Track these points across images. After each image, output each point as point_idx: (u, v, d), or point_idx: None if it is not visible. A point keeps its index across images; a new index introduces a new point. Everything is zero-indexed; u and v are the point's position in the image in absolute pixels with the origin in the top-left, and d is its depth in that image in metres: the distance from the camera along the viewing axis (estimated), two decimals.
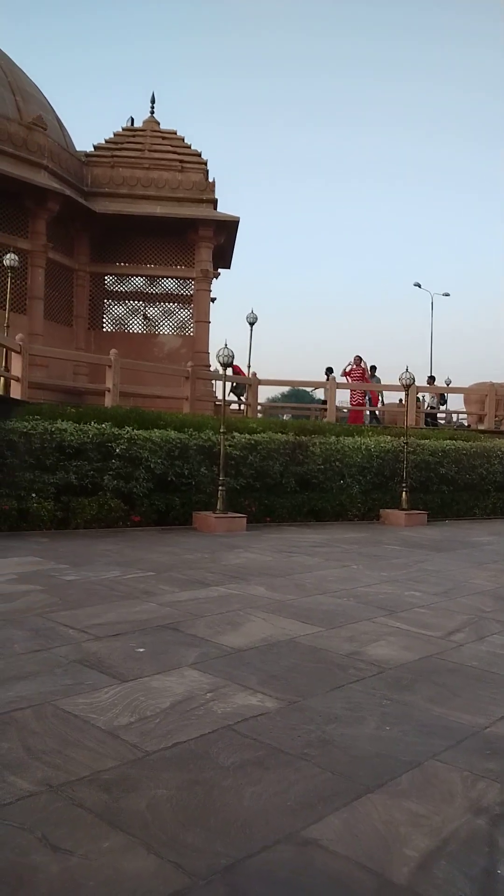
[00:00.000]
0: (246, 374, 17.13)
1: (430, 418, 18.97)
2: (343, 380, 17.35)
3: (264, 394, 17.73)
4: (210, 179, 17.70)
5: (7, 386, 10.96)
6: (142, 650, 3.68)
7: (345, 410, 17.55)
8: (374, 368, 18.72)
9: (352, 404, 17.80)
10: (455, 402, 20.26)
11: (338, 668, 3.54)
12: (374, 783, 2.32)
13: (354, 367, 18.04)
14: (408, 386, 11.63)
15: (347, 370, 17.92)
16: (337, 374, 17.73)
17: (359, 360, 18.17)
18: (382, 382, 18.45)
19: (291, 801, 2.18)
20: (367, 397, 17.94)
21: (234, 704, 2.97)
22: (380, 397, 18.52)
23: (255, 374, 15.75)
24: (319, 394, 19.22)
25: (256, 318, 16.91)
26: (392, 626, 4.40)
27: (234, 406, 16.55)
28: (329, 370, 18.66)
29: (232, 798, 2.18)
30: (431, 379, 19.66)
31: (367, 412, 17.89)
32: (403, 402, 15.76)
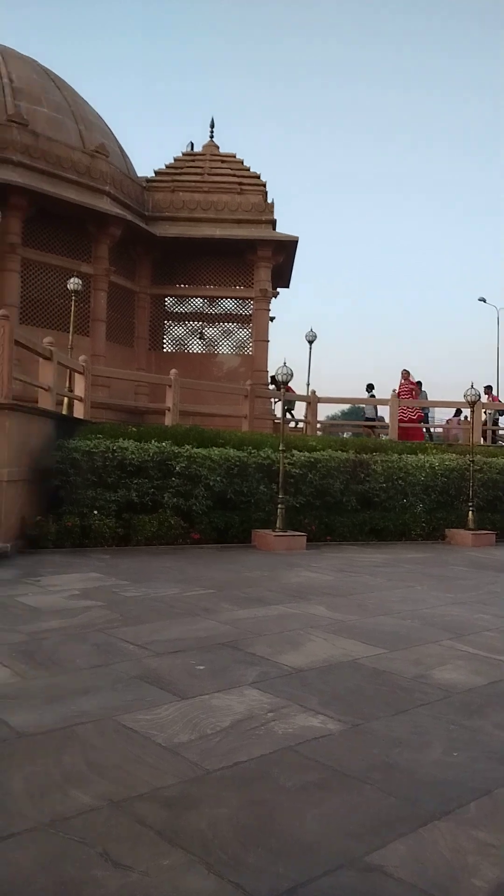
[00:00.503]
0: (422, 389, 17.13)
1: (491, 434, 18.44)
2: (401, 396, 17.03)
3: (324, 412, 17.64)
4: (269, 200, 17.87)
5: (71, 406, 11.23)
6: (202, 668, 3.67)
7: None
8: (419, 384, 18.35)
9: (402, 421, 17.36)
10: None
11: (402, 690, 3.44)
12: (440, 810, 2.24)
13: (403, 382, 17.67)
14: (473, 402, 11.39)
15: (397, 390, 17.54)
16: (381, 393, 17.40)
17: (406, 374, 17.75)
18: (443, 399, 18.11)
19: (355, 825, 2.12)
20: (426, 413, 17.56)
21: (295, 725, 2.92)
22: (425, 414, 17.97)
23: (314, 392, 15.71)
24: (368, 412, 18.74)
25: (315, 336, 16.92)
26: (459, 650, 4.27)
27: (293, 424, 16.54)
28: (370, 386, 18.36)
29: (294, 820, 2.13)
30: (488, 388, 19.01)
31: (424, 429, 17.47)
32: (469, 418, 15.44)
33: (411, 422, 17.00)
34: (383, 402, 16.30)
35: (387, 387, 18.67)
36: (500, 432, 18.77)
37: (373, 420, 18.44)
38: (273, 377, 17.79)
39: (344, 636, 4.46)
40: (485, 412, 16.94)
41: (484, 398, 17.83)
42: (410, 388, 17.45)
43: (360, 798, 2.29)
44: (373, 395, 18.12)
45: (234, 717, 2.98)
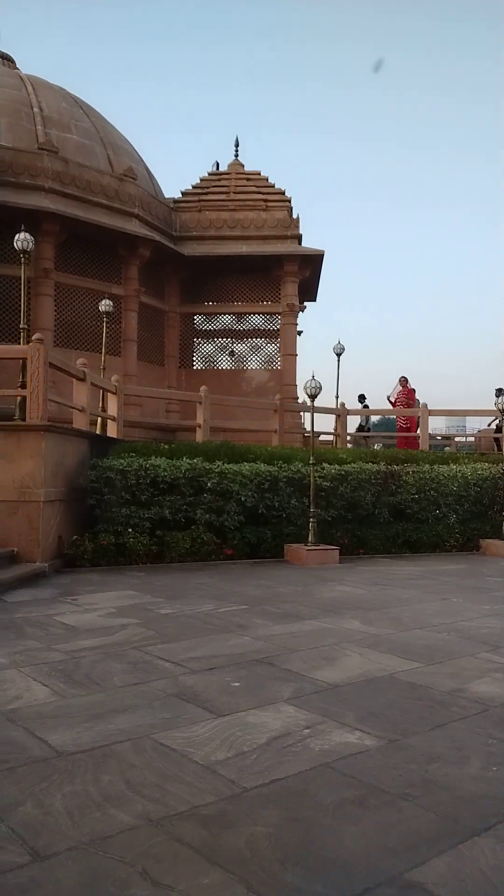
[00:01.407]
0: (415, 397, 17.02)
1: None
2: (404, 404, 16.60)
3: (353, 424, 17.54)
4: (294, 216, 17.98)
5: (104, 425, 11.38)
6: (237, 684, 3.68)
7: (438, 438, 17.12)
8: (362, 397, 18.02)
9: (402, 430, 17.01)
10: None
11: (440, 705, 3.41)
12: (480, 826, 2.21)
13: (400, 389, 17.20)
14: (503, 410, 11.27)
15: (393, 399, 17.08)
16: (371, 402, 17.01)
17: (404, 381, 17.40)
18: (474, 408, 17.89)
19: (394, 842, 2.11)
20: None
21: (331, 742, 2.91)
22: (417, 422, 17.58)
23: (343, 405, 15.68)
24: (361, 421, 18.49)
25: (343, 349, 16.88)
26: (497, 663, 4.21)
27: (324, 437, 16.50)
28: (362, 397, 18.14)
29: (332, 837, 2.13)
30: (499, 391, 18.50)
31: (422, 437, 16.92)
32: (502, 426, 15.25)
33: (404, 430, 16.64)
34: (412, 412, 16.18)
35: (363, 395, 18.35)
36: None
37: (363, 429, 18.22)
38: (362, 397, 17.89)
39: (379, 650, 4.44)
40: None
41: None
42: (407, 395, 17.08)
43: (399, 814, 2.28)
44: (365, 406, 17.92)
45: (271, 733, 2.99)
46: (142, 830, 2.16)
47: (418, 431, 15.93)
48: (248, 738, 2.94)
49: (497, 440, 18.22)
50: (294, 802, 2.36)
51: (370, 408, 17.86)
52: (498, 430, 18.14)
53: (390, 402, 17.16)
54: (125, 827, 2.18)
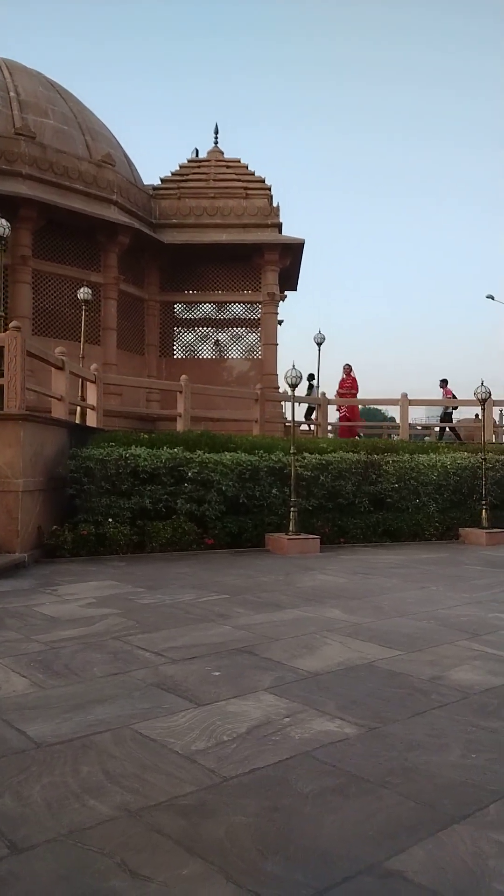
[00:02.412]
0: (455, 396, 16.92)
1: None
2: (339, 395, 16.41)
3: (334, 414, 17.55)
4: (274, 204, 17.89)
5: (84, 415, 11.28)
6: (217, 674, 3.67)
7: (418, 427, 17.20)
8: (311, 376, 17.69)
9: (344, 419, 16.73)
10: None
11: (419, 693, 3.43)
12: (459, 813, 2.22)
13: (344, 377, 17.01)
14: (483, 400, 11.33)
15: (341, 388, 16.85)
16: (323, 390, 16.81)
17: (348, 369, 17.07)
18: (459, 398, 17.98)
19: (373, 830, 2.11)
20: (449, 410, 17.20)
21: (312, 730, 2.91)
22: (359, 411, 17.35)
23: (324, 394, 15.69)
24: (394, 412, 18.52)
25: (324, 339, 16.89)
26: (476, 650, 4.25)
27: (304, 427, 16.50)
28: (311, 376, 17.92)
29: (312, 826, 2.13)
30: (444, 382, 18.46)
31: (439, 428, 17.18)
32: (479, 416, 15.35)
33: (349, 419, 16.53)
34: (392, 401, 16.20)
35: (312, 375, 18.06)
36: None
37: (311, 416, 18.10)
38: (311, 376, 17.52)
39: (360, 639, 4.45)
40: (501, 410, 16.65)
41: (440, 392, 17.53)
42: (351, 383, 16.88)
43: (379, 802, 2.28)
44: (312, 385, 17.67)
45: (251, 723, 2.98)
46: (121, 821, 2.14)
47: (360, 419, 15.87)
48: (229, 727, 2.93)
49: (454, 429, 18.33)
50: (274, 791, 2.35)
51: (319, 388, 17.63)
52: (447, 417, 18.25)
53: (336, 392, 16.96)
54: (104, 818, 2.16)
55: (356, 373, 17.00)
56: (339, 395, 16.51)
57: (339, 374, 17.03)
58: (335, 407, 16.61)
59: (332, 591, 6.16)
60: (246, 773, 2.50)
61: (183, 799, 2.29)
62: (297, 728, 2.93)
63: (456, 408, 18.55)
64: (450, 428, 18.50)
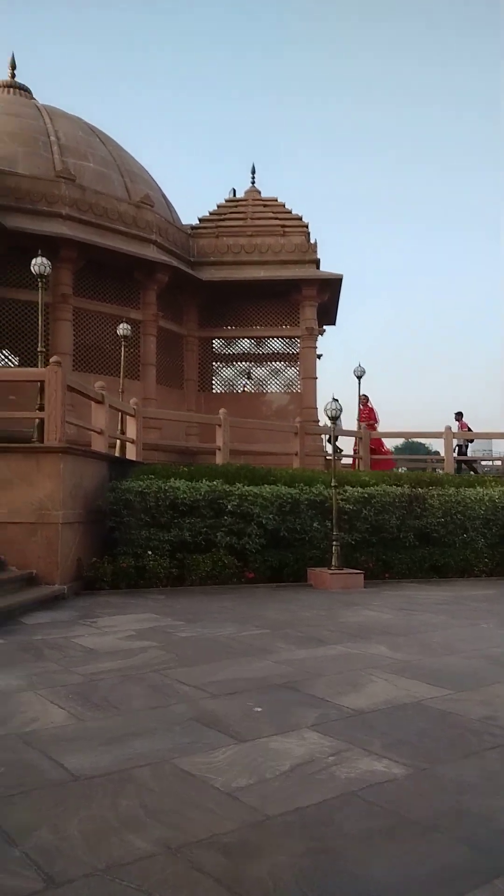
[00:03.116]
0: (471, 429, 16.74)
1: None
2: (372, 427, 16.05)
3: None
4: (312, 240, 18.04)
5: (123, 448, 11.37)
6: (259, 709, 3.57)
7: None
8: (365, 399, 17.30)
9: (375, 452, 15.97)
10: None
11: (471, 733, 3.28)
12: None
13: (362, 408, 16.54)
14: None
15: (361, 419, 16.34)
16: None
17: (365, 399, 16.65)
18: (498, 430, 17.67)
19: (425, 875, 1.99)
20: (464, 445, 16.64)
21: (358, 769, 2.79)
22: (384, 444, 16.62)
23: (364, 427, 15.57)
24: (438, 446, 18.02)
25: (364, 371, 16.80)
26: None
27: (346, 461, 16.36)
28: (459, 415, 17.63)
29: (359, 869, 2.01)
30: (459, 415, 17.99)
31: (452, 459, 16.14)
32: None
33: (374, 452, 15.87)
34: (436, 434, 16.00)
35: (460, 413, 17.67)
36: None
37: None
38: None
39: (407, 677, 4.31)
40: None
41: (455, 426, 17.09)
42: (369, 413, 16.41)
43: (430, 846, 2.16)
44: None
45: (294, 760, 2.88)
46: (160, 858, 2.06)
47: (386, 450, 15.43)
48: (271, 764, 2.83)
49: (469, 463, 17.83)
50: (319, 831, 2.25)
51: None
52: (460, 452, 17.72)
53: (358, 422, 16.48)
54: (143, 854, 2.08)
55: (374, 402, 16.76)
56: (361, 421, 16.19)
57: (379, 406, 16.87)
58: (354, 441, 16.22)
59: (378, 627, 6.00)
60: (290, 811, 2.40)
61: (224, 836, 2.20)
62: (342, 767, 2.82)
63: (472, 441, 18.15)
64: (466, 462, 18.03)
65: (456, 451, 17.16)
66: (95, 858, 2.05)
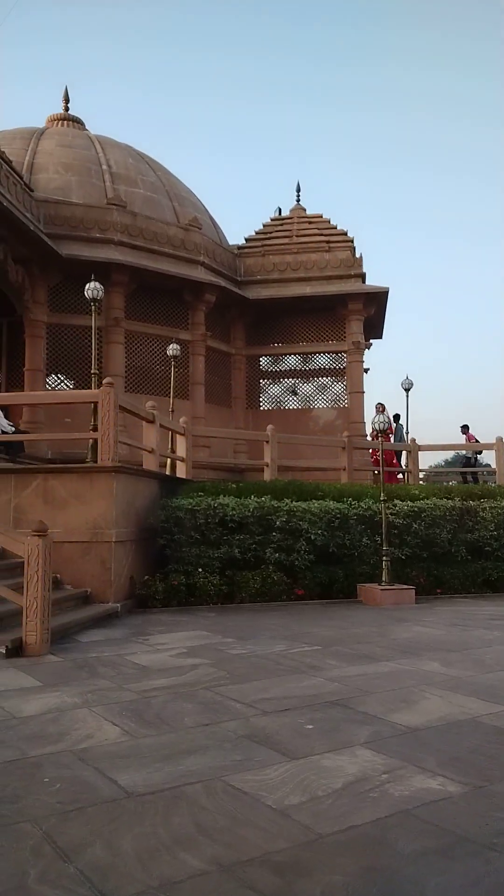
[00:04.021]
0: (478, 441, 16.48)
1: None
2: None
3: (426, 461, 17.10)
4: (357, 255, 18.06)
5: (174, 466, 11.50)
6: (310, 727, 3.55)
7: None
8: (396, 417, 16.63)
9: (374, 464, 14.71)
10: None
11: None
12: None
13: (378, 416, 15.92)
14: None
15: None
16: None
17: (381, 408, 16.10)
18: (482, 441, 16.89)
19: (483, 895, 1.94)
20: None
21: (412, 787, 2.75)
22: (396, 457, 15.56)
23: (413, 440, 15.40)
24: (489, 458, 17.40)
25: (412, 384, 16.68)
26: None
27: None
28: (397, 417, 16.99)
29: (414, 889, 1.98)
30: (465, 428, 17.24)
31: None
32: None
33: (391, 465, 14.80)
34: (487, 446, 15.68)
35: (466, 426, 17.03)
36: None
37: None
38: (397, 416, 16.91)
39: (461, 693, 4.22)
40: None
41: (462, 438, 16.49)
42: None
43: (488, 866, 2.11)
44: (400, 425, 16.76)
45: (347, 778, 2.85)
46: (212, 876, 2.07)
47: (396, 463, 14.74)
48: (323, 782, 2.81)
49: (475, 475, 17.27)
50: (373, 851, 2.22)
51: (408, 434, 16.92)
52: (468, 463, 17.10)
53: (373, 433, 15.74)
54: (195, 872, 2.09)
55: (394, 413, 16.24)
56: (373, 436, 15.51)
57: (431, 420, 16.68)
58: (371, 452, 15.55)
59: (430, 643, 5.90)
60: (343, 830, 2.37)
61: (277, 855, 2.19)
62: (396, 785, 2.77)
63: (481, 452, 17.49)
64: (472, 474, 17.46)
65: (466, 462, 16.62)
66: (148, 876, 2.07)
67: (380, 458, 9.56)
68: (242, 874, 2.07)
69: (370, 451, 15.10)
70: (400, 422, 16.84)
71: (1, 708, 3.87)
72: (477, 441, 16.75)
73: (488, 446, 15.96)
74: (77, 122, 18.73)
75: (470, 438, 16.83)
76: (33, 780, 2.83)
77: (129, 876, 2.07)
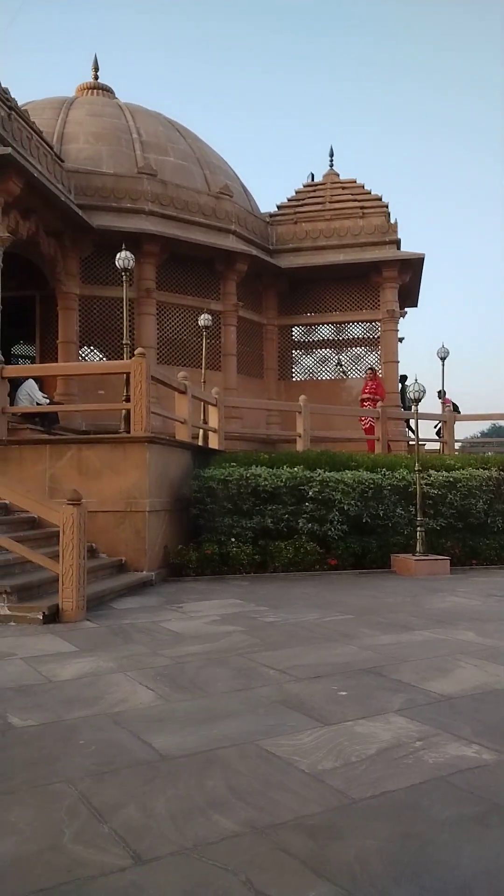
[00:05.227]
0: (456, 405, 16.17)
1: None
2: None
3: (462, 432, 16.88)
4: (392, 220, 17.66)
5: (206, 437, 11.50)
6: (344, 693, 3.54)
7: None
8: (403, 378, 15.92)
9: (364, 430, 14.22)
10: None
11: None
12: None
13: (370, 381, 15.06)
14: None
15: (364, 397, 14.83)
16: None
17: (372, 373, 15.28)
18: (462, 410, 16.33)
19: None
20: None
21: (447, 755, 2.72)
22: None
23: (450, 410, 15.17)
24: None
25: (448, 353, 16.33)
26: None
27: (430, 446, 15.98)
28: (441, 393, 16.33)
29: (449, 855, 1.96)
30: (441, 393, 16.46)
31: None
32: None
33: (369, 430, 13.93)
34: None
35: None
36: None
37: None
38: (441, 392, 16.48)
39: (497, 662, 4.17)
40: None
41: (438, 404, 15.83)
42: (375, 387, 14.89)
43: None
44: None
45: (380, 744, 2.84)
46: (246, 838, 2.07)
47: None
48: (357, 748, 2.80)
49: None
50: (407, 816, 2.20)
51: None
52: (439, 433, 16.33)
53: (360, 401, 15.04)
54: (229, 834, 2.10)
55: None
56: (361, 402, 14.96)
57: (467, 390, 16.35)
58: (359, 418, 14.83)
59: (465, 613, 5.85)
60: (376, 795, 2.36)
61: (310, 819, 2.19)
62: (430, 752, 2.75)
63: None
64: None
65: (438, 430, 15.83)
66: (182, 837, 2.08)
67: (373, 426, 9.26)
68: (276, 837, 2.08)
69: (358, 418, 14.49)
70: (407, 383, 16.20)
71: (38, 672, 3.94)
72: (454, 405, 16.28)
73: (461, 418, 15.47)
74: (107, 90, 18.51)
75: (446, 402, 16.38)
76: (69, 743, 2.87)
77: (163, 837, 2.09)
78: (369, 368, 15.94)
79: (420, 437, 9.94)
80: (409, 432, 13.95)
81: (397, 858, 1.94)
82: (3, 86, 11.48)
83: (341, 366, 17.79)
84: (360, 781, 2.47)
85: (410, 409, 15.19)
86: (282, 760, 2.67)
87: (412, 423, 14.21)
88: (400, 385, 16.57)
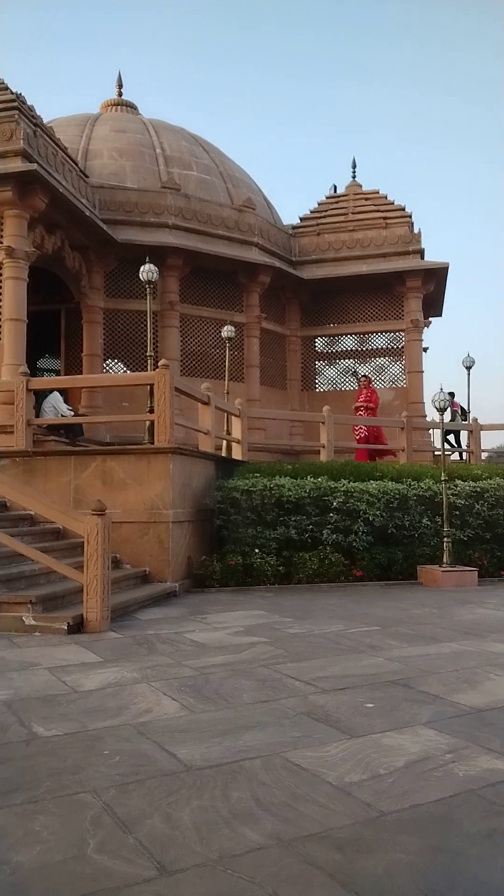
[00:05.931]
0: (464, 408, 16.02)
1: None
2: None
3: (489, 442, 16.70)
4: (415, 230, 17.61)
5: (229, 449, 11.51)
6: (370, 705, 3.49)
7: None
8: (451, 395, 15.34)
9: (359, 441, 13.77)
10: None
11: None
12: None
13: (364, 389, 14.73)
14: None
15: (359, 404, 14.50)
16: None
17: (366, 381, 14.89)
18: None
19: None
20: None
21: (477, 767, 2.66)
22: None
23: (475, 420, 15.03)
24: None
25: (473, 362, 16.19)
26: None
27: (455, 456, 15.82)
28: (450, 395, 16.09)
29: (480, 869, 1.91)
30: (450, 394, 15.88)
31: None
32: None
33: (368, 440, 13.63)
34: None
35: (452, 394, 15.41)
36: None
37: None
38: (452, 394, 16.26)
39: None
40: None
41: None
42: (369, 396, 14.57)
43: None
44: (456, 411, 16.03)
45: (409, 757, 2.78)
46: (272, 851, 2.03)
47: (386, 440, 13.65)
48: (385, 760, 2.75)
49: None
50: (437, 830, 2.15)
51: (470, 413, 16.30)
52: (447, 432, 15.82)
53: (353, 408, 14.73)
54: (254, 846, 2.06)
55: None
56: (355, 410, 14.65)
57: (494, 399, 16.18)
58: (353, 427, 14.46)
59: (494, 624, 5.75)
60: (405, 808, 2.31)
61: (338, 832, 2.15)
62: (460, 765, 2.69)
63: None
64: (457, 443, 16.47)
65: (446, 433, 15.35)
66: (207, 849, 2.05)
67: (366, 436, 9.11)
68: (303, 850, 2.04)
69: (352, 427, 14.12)
70: (455, 399, 16.21)
71: (63, 682, 3.94)
72: (463, 409, 16.09)
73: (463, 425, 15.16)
74: (131, 106, 18.76)
75: (454, 406, 16.15)
76: (93, 752, 2.85)
77: (188, 848, 2.06)
78: (363, 377, 15.73)
79: (449, 447, 9.84)
80: (445, 444, 13.32)
81: (428, 872, 1.89)
82: (28, 104, 11.68)
83: (356, 375, 17.54)
84: (389, 794, 2.42)
85: (462, 424, 15.11)
86: (308, 772, 2.63)
87: (438, 433, 14.14)
88: (449, 400, 16.21)
